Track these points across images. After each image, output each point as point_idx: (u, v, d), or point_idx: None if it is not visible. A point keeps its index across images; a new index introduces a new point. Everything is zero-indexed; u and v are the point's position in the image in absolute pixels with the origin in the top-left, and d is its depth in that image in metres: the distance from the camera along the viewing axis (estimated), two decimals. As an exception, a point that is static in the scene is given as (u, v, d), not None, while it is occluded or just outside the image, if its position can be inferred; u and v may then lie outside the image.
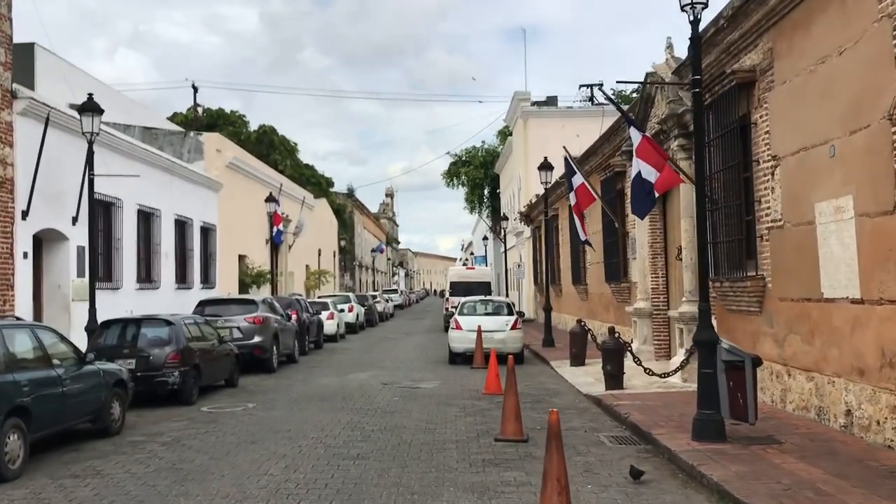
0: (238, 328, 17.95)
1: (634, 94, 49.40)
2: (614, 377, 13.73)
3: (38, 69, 29.31)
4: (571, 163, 19.09)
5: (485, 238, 61.75)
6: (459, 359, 19.65)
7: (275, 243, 35.17)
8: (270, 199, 30.72)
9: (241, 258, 32.28)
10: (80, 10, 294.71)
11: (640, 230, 17.81)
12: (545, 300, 24.26)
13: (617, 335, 14.27)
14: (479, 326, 18.84)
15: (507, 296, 41.69)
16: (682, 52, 15.29)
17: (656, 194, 13.57)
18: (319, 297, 35.50)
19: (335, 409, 12.60)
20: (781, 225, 10.63)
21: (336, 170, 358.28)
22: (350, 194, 71.20)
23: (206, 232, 27.91)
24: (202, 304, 18.70)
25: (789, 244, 10.41)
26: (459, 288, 34.04)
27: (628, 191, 19.30)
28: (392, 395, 14.07)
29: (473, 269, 37.82)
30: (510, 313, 20.15)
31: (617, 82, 13.00)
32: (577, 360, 17.94)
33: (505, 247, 40.87)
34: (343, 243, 59.66)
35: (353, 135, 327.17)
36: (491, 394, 13.85)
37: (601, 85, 45.53)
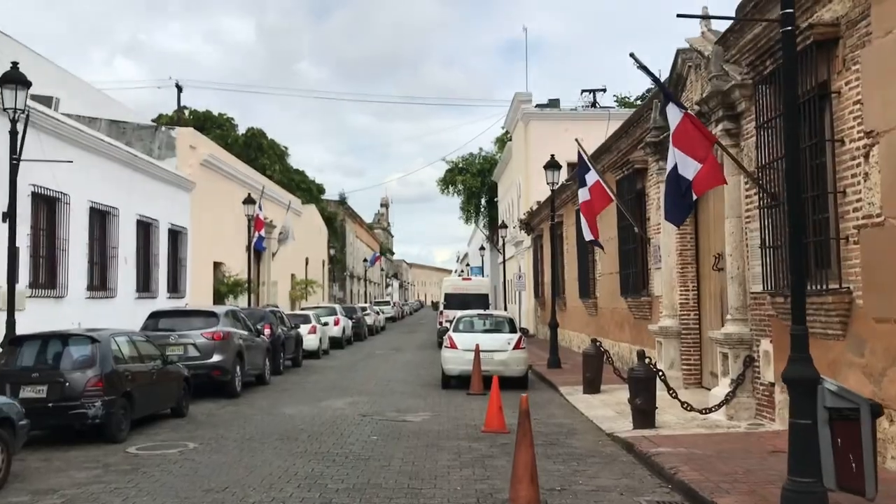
0: (194, 345, 15.30)
1: (638, 102, 47.07)
2: (645, 413, 11.11)
3: (-7, 54, 26.80)
4: (585, 157, 16.53)
5: (481, 248, 59.19)
6: (454, 382, 17.04)
7: (256, 250, 32.61)
8: (249, 200, 28.11)
9: (217, 265, 29.64)
10: (79, 19, 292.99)
11: (665, 236, 15.23)
12: (551, 315, 21.65)
13: (648, 360, 11.65)
14: (478, 345, 16.21)
15: (506, 309, 39.03)
16: (718, 25, 12.76)
17: (694, 196, 11.00)
18: (303, 309, 32.86)
19: (295, 452, 9.95)
20: (880, 222, 8.07)
21: (332, 181, 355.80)
22: (342, 201, 68.59)
23: (176, 235, 25.28)
24: (154, 317, 16.03)
25: (891, 247, 7.86)
26: (455, 300, 31.39)
27: (650, 190, 16.76)
28: (370, 432, 11.43)
29: (470, 280, 35.14)
30: (512, 330, 17.51)
31: (635, 64, 10.47)
32: (592, 386, 15.33)
33: (503, 257, 38.33)
34: (333, 252, 57.00)
35: (349, 147, 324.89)
36: (493, 431, 11.24)
37: (604, 90, 42.56)
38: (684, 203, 11.12)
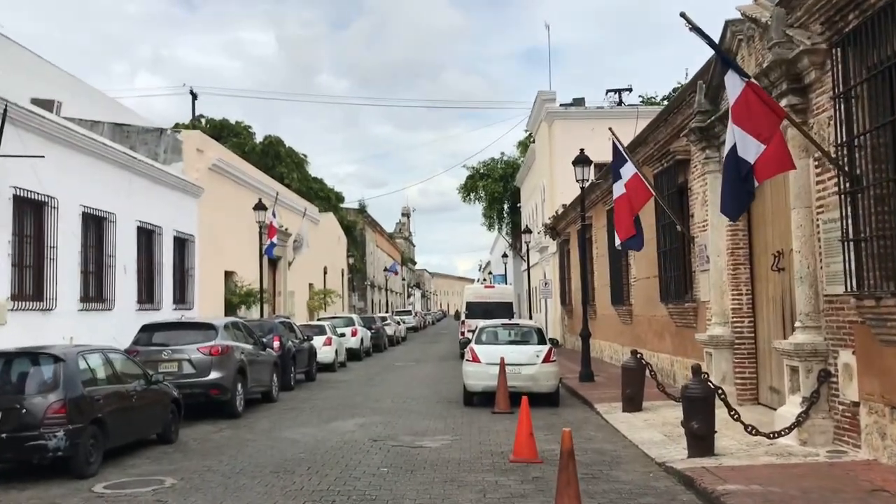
0: (189, 361, 13.80)
1: (664, 101, 45.15)
2: (702, 439, 9.42)
3: (-9, 57, 25.71)
4: (621, 148, 14.88)
5: (504, 256, 57.50)
6: (477, 399, 15.43)
7: (269, 258, 31.22)
8: (260, 206, 26.69)
9: (229, 275, 28.22)
10: (102, 35, 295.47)
11: (714, 233, 13.55)
12: (582, 324, 19.94)
13: (705, 376, 9.97)
14: (503, 359, 14.56)
15: (531, 319, 37.32)
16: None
17: (756, 183, 9.35)
18: (319, 320, 31.39)
19: (289, 491, 8.38)
20: None
21: (354, 192, 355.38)
22: (361, 210, 67.21)
23: (182, 243, 23.88)
24: (147, 330, 14.54)
25: None
26: (477, 309, 29.76)
27: (693, 184, 15.06)
28: (380, 462, 9.84)
29: (493, 287, 33.43)
30: (541, 342, 15.84)
31: (687, 25, 8.95)
32: (632, 404, 13.63)
33: (528, 264, 36.64)
34: (353, 261, 55.53)
35: (370, 157, 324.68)
36: (523, 461, 9.60)
37: (630, 89, 40.47)
38: (744, 191, 9.47)
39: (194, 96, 50.16)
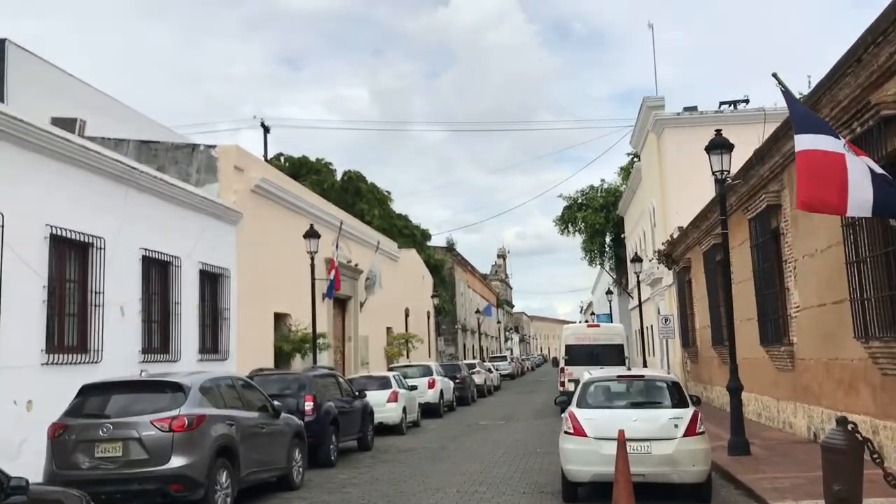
0: (139, 441, 9.07)
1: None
2: None
3: (9, 72, 22.40)
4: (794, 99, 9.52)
5: (608, 292, 51.60)
6: (584, 492, 10.16)
7: (331, 298, 26.81)
8: (311, 233, 22.17)
9: (280, 317, 23.78)
10: (206, 96, 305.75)
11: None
12: (730, 372, 14.30)
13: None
14: (622, 432, 9.21)
15: (645, 365, 31.40)
16: None
17: None
18: (390, 369, 26.58)
19: None
20: None
21: (448, 237, 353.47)
22: (450, 248, 62.58)
23: (213, 279, 19.56)
24: (85, 393, 9.85)
25: None
26: (579, 354, 24.41)
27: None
28: None
29: (598, 326, 27.75)
30: (680, 402, 10.33)
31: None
32: (848, 509, 8.07)
33: (639, 298, 31.00)
34: (438, 302, 50.73)
35: (465, 203, 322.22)
36: None
37: (747, 100, 34.41)
38: None
39: (266, 129, 46.84)
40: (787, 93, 9.94)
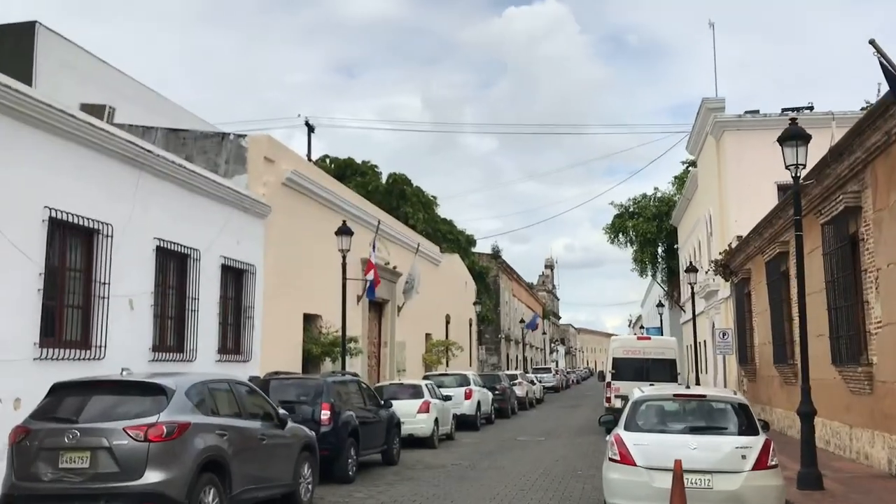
0: (109, 451, 7.79)
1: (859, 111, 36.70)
2: None
3: (39, 55, 21.60)
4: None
5: (659, 305, 49.52)
6: (630, 530, 8.59)
7: (370, 298, 25.63)
8: (344, 230, 20.88)
9: (311, 319, 22.54)
10: (263, 103, 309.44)
11: None
12: (802, 394, 12.57)
13: None
14: (679, 462, 7.66)
15: (698, 383, 29.47)
16: None
17: None
18: (424, 377, 25.15)
19: None
20: None
21: (498, 247, 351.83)
22: (496, 255, 61.01)
23: (238, 275, 18.41)
24: (56, 392, 8.57)
25: None
26: (627, 369, 22.71)
27: None
28: None
29: (648, 339, 25.97)
30: (749, 429, 8.68)
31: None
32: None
33: (693, 311, 29.09)
34: (481, 309, 49.17)
35: (515, 214, 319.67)
36: None
37: (811, 107, 32.19)
38: None
39: (310, 128, 45.98)
40: (885, 63, 8.37)
